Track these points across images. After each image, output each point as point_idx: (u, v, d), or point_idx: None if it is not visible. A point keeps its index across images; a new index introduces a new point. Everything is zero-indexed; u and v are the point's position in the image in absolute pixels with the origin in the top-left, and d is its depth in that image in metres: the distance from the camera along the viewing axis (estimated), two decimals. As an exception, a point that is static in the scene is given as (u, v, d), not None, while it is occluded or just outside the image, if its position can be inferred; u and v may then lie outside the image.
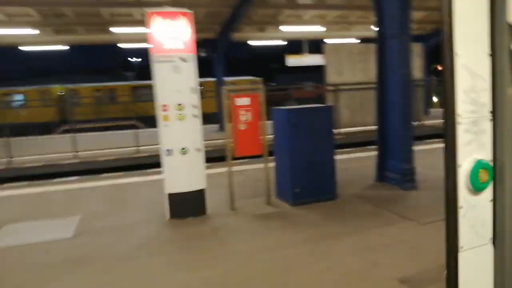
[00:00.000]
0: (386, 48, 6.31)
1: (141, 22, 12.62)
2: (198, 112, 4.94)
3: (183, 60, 4.72)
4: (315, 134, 5.42)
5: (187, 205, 5.09)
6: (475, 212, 1.65)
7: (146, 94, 18.31)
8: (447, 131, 1.58)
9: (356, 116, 13.24)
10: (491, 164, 1.69)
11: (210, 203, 5.28)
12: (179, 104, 4.77)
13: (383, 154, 6.42)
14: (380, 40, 6.40)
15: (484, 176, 1.63)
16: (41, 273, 3.77)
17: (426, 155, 7.98)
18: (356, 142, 11.37)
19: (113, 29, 13.17)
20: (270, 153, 5.62)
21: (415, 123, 11.17)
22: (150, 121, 12.18)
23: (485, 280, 1.72)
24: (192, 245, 4.32)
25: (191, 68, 4.82)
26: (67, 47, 15.91)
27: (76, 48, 19.33)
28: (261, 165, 5.81)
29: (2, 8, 11.24)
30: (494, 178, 1.69)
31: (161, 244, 4.44)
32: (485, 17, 1.65)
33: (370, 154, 7.53)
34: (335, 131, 11.75)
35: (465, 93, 1.64)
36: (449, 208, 1.59)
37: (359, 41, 17.64)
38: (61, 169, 10.25)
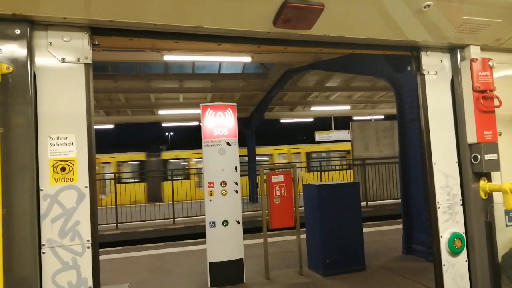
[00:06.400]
0: (407, 130, 7.00)
1: (183, 105, 14.10)
2: (238, 188, 5.64)
3: (228, 144, 5.55)
4: (344, 208, 5.92)
5: (226, 274, 5.57)
6: (455, 269, 2.26)
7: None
8: (431, 213, 2.36)
9: (383, 189, 13.63)
10: (464, 235, 2.35)
11: (247, 272, 5.74)
12: (223, 182, 5.50)
13: (408, 227, 6.80)
14: (400, 123, 7.12)
15: (458, 243, 2.28)
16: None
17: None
18: (384, 215, 11.67)
19: (157, 111, 14.59)
20: (302, 225, 6.13)
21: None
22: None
23: None
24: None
25: (234, 150, 5.62)
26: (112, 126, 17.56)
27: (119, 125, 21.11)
28: (293, 237, 6.29)
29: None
30: (467, 245, 2.34)
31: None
32: (453, 138, 2.46)
33: (397, 227, 7.88)
34: (363, 204, 12.17)
35: (441, 188, 2.39)
36: (436, 265, 2.27)
37: (383, 117, 18.54)
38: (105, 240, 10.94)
